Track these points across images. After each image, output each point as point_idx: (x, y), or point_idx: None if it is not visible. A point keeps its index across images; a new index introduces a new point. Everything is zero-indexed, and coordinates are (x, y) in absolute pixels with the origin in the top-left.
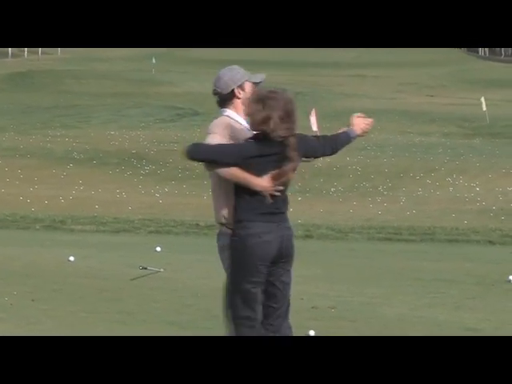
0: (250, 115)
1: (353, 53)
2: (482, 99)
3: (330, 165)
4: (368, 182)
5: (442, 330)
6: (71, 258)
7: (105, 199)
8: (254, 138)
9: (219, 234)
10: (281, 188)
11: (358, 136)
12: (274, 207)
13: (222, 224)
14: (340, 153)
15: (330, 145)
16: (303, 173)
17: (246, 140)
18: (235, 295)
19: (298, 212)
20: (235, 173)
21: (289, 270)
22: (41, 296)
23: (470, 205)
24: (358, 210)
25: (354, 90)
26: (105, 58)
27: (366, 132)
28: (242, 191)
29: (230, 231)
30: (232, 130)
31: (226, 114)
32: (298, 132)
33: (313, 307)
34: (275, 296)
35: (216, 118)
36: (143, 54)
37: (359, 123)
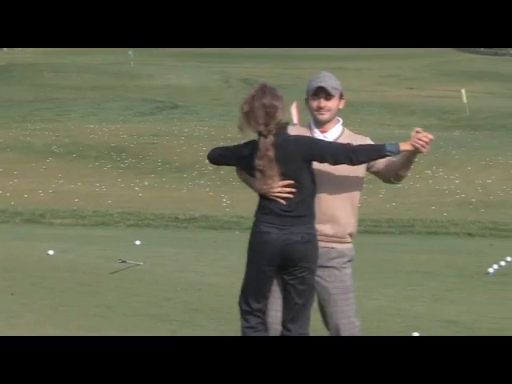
0: None
1: None
2: (463, 91)
3: None
4: None
5: (421, 323)
6: (50, 252)
7: (84, 193)
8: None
9: None
10: (286, 190)
11: (414, 152)
12: (281, 209)
13: None
14: None
15: (348, 154)
16: None
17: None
18: (242, 288)
19: None
20: (240, 174)
21: (301, 277)
22: (20, 290)
23: (449, 197)
24: None
25: None
26: (84, 51)
27: (419, 148)
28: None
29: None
30: None
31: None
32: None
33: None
34: (285, 300)
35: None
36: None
37: (413, 138)
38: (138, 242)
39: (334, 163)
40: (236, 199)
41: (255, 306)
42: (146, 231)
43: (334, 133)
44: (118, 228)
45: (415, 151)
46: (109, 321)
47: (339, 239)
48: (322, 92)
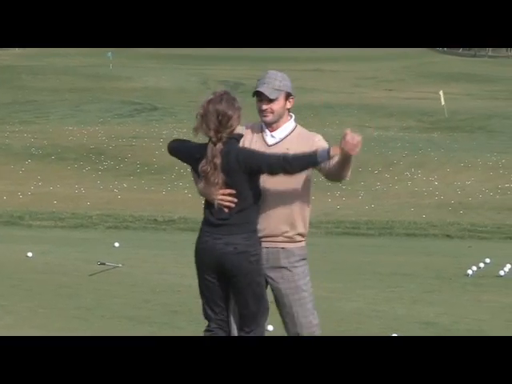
0: None
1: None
2: (441, 93)
3: None
4: None
5: (400, 324)
6: (29, 254)
7: (63, 195)
8: None
9: None
10: (227, 199)
11: (345, 155)
12: (217, 217)
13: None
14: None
15: (282, 164)
16: None
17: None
18: None
19: None
20: (192, 172)
21: (239, 287)
22: None
23: (428, 199)
24: (316, 204)
25: (313, 84)
26: (62, 53)
27: (347, 151)
28: None
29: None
30: None
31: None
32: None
33: (271, 302)
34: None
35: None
36: (100, 49)
37: (342, 141)
38: (116, 244)
39: (271, 174)
40: None
41: (209, 312)
42: (125, 233)
43: (282, 132)
44: (97, 230)
45: (346, 154)
46: (88, 323)
47: (288, 239)
48: (262, 95)
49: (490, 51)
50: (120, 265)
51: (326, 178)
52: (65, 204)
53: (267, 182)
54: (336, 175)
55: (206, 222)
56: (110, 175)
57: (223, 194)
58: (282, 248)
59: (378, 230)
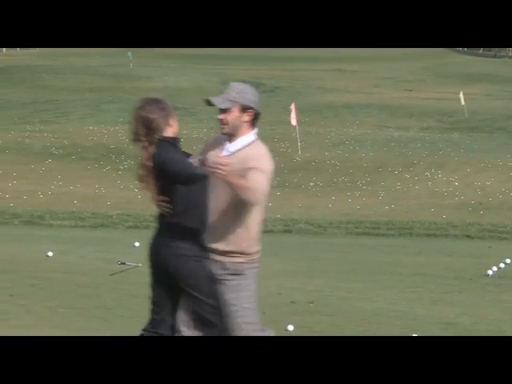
0: None
1: None
2: (461, 94)
3: (309, 159)
4: (347, 177)
5: (420, 325)
6: (49, 254)
7: (83, 194)
8: None
9: None
10: (163, 204)
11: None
12: (161, 221)
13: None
14: (318, 147)
15: (186, 175)
16: (282, 167)
17: None
18: None
19: (276, 207)
20: None
21: (190, 294)
22: (19, 291)
23: (448, 199)
24: (336, 204)
25: (333, 84)
26: (82, 53)
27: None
28: None
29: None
30: None
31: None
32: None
33: (291, 302)
34: None
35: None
36: (120, 49)
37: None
38: (137, 244)
39: (180, 183)
40: None
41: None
42: (146, 233)
43: (236, 145)
44: (117, 229)
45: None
46: (108, 322)
47: (220, 253)
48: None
49: (510, 51)
50: (140, 264)
51: None
52: (85, 204)
53: (212, 193)
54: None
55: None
56: (130, 175)
57: (159, 200)
58: (216, 261)
59: (398, 231)
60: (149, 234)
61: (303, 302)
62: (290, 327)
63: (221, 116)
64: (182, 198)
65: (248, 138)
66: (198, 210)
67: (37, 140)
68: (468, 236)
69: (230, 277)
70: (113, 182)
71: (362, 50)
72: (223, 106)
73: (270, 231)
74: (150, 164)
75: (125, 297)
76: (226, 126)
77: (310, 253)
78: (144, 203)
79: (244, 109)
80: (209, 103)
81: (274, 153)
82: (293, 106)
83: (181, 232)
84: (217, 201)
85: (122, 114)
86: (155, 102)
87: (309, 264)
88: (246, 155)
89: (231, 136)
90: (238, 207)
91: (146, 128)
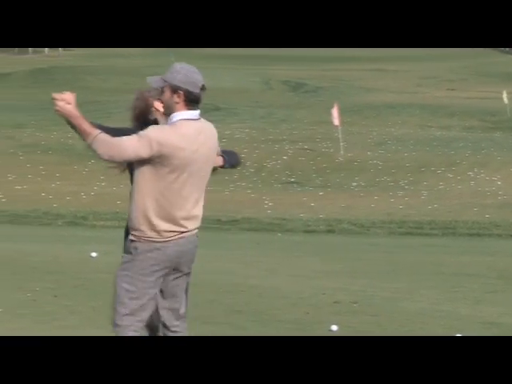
0: None
1: None
2: (504, 93)
3: (351, 159)
4: (389, 177)
5: (463, 324)
6: (93, 254)
7: (126, 195)
8: None
9: None
10: None
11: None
12: None
13: None
14: (360, 147)
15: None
16: (324, 167)
17: None
18: None
19: (319, 207)
20: None
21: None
22: (63, 292)
23: (491, 199)
24: (379, 204)
25: (375, 84)
26: (125, 54)
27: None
28: None
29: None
30: None
31: None
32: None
33: (335, 302)
34: None
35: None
36: (162, 50)
37: None
38: None
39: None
40: (278, 201)
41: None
42: None
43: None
44: None
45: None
46: None
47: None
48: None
49: None
50: None
51: None
52: (128, 204)
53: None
54: None
55: None
56: None
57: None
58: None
59: (441, 230)
60: None
61: (347, 302)
62: (334, 327)
63: (159, 97)
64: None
65: (173, 117)
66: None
67: (80, 141)
68: (511, 235)
69: (124, 254)
70: None
71: (403, 49)
72: (154, 86)
73: (313, 231)
74: None
75: None
76: (162, 106)
77: (353, 253)
78: None
79: (174, 89)
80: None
81: (317, 153)
82: (335, 106)
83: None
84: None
85: None
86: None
87: (352, 264)
88: None
89: (168, 116)
90: (142, 182)
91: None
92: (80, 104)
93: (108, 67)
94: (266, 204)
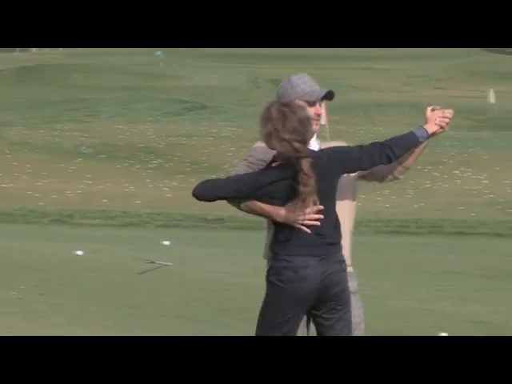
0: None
1: None
2: (491, 91)
3: None
4: None
5: (450, 323)
6: (79, 252)
7: (113, 193)
8: (271, 161)
9: None
10: (315, 216)
11: (434, 134)
12: (312, 238)
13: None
14: None
15: (383, 151)
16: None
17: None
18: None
19: None
20: (253, 207)
21: (335, 315)
22: (49, 290)
23: (477, 197)
24: (365, 203)
25: (363, 82)
26: (112, 52)
27: (444, 127)
28: (277, 223)
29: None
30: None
31: None
32: (332, 146)
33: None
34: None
35: None
36: (150, 48)
37: (432, 118)
38: (167, 243)
39: (372, 167)
40: None
41: None
42: (175, 232)
43: (315, 145)
44: (147, 228)
45: (435, 132)
46: (138, 321)
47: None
48: (329, 96)
49: None
50: (169, 263)
51: (384, 177)
52: (115, 202)
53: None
54: (402, 169)
55: (299, 244)
56: (160, 174)
57: (311, 213)
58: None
59: (427, 229)
60: (177, 233)
61: None
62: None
63: (322, 111)
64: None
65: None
66: None
67: (67, 139)
68: (498, 234)
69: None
70: (142, 181)
71: (392, 48)
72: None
73: None
74: (314, 177)
75: (155, 296)
76: (318, 123)
77: None
78: (173, 202)
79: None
80: (326, 97)
81: None
82: (322, 105)
83: (339, 243)
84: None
85: (152, 112)
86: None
87: None
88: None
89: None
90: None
91: (305, 131)
92: (68, 102)
93: (96, 65)
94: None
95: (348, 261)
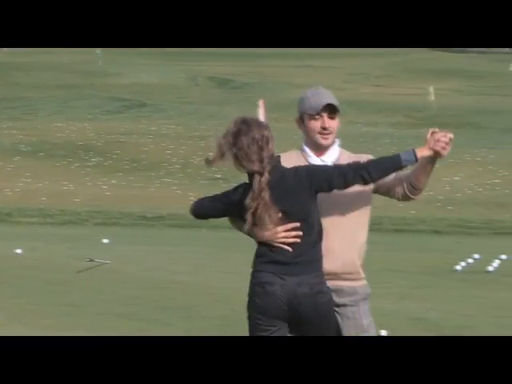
0: None
1: None
2: (431, 89)
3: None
4: None
5: (389, 321)
6: (18, 251)
7: (52, 191)
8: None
9: None
10: (292, 234)
11: (436, 157)
12: (282, 256)
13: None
14: (288, 144)
15: (357, 172)
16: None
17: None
18: None
19: None
20: (233, 223)
21: (314, 333)
22: None
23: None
24: None
25: (303, 80)
26: (52, 50)
27: (439, 151)
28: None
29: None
30: None
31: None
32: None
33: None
34: None
35: None
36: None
37: (429, 141)
38: (105, 241)
39: (345, 187)
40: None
41: None
42: (114, 230)
43: (331, 155)
44: (86, 226)
45: (434, 156)
46: (77, 319)
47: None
48: (327, 110)
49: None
50: (108, 261)
51: (398, 194)
52: (53, 201)
53: (325, 207)
54: (413, 188)
55: (267, 262)
56: (99, 172)
57: (285, 231)
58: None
59: None
60: (117, 231)
61: None
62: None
63: (330, 123)
64: (318, 217)
65: (336, 147)
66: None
67: (5, 137)
68: (436, 231)
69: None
70: (81, 179)
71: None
72: (339, 111)
73: None
74: (267, 194)
75: (93, 294)
76: (330, 136)
77: None
78: (112, 200)
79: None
80: (325, 107)
81: None
82: (261, 103)
83: (315, 264)
84: (339, 211)
85: (90, 110)
86: (256, 119)
87: None
88: (352, 160)
89: (327, 147)
90: (364, 212)
91: (261, 151)
92: (6, 100)
93: (35, 63)
94: (192, 200)
95: (360, 274)
